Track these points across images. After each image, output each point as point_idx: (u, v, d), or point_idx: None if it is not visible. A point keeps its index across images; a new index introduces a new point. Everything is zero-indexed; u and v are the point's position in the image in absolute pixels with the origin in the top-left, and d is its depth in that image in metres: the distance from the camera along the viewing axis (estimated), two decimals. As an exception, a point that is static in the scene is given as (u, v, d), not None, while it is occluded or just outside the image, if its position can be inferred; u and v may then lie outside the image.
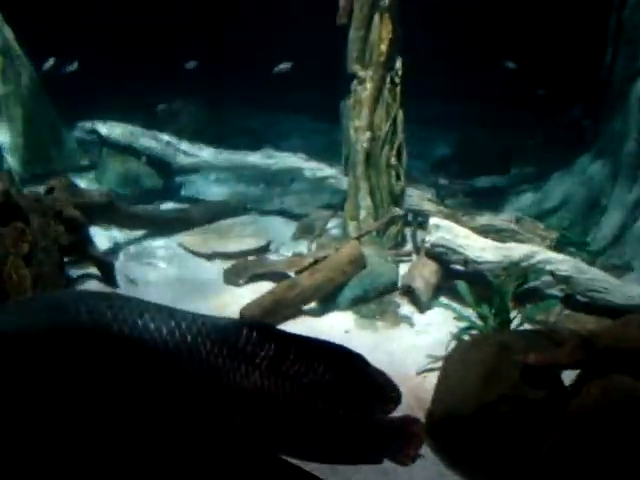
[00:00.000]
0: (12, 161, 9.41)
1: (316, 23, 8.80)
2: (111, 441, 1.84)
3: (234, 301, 6.88)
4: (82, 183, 9.57)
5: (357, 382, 4.23)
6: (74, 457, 1.86)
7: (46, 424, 2.05)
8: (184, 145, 9.56)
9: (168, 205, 9.57)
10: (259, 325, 4.32)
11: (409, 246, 8.26)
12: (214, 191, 9.91)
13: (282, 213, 9.34)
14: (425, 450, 4.52)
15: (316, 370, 4.20)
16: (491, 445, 4.57)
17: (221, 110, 11.86)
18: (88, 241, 7.12)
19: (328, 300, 6.93)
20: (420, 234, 8.14)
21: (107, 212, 7.69)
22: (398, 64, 7.87)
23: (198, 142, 9.75)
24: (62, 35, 10.19)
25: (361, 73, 7.80)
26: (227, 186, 10.00)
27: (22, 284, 6.51)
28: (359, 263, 6.97)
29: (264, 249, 8.22)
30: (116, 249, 8.10)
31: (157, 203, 9.54)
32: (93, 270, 7.31)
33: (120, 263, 7.70)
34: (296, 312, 6.75)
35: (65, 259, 7.04)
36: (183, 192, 9.94)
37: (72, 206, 7.11)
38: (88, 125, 9.94)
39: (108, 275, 7.18)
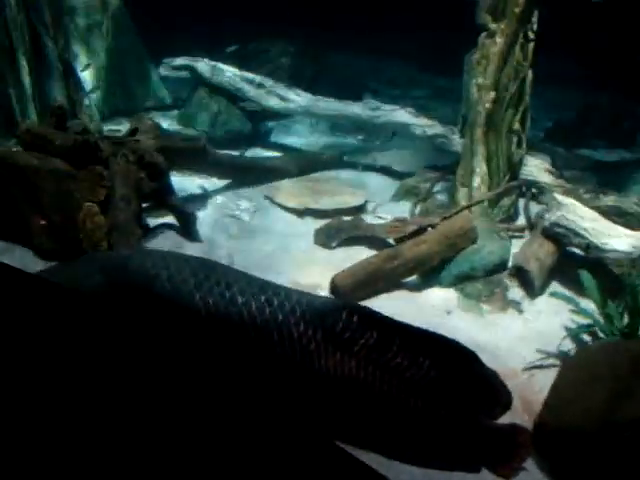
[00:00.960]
0: (93, 96, 9.19)
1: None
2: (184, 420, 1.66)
3: (324, 266, 6.53)
4: (164, 123, 9.38)
5: (466, 382, 3.90)
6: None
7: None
8: (280, 89, 9.20)
9: (256, 151, 9.26)
10: (361, 309, 4.00)
11: (521, 220, 7.71)
12: (306, 139, 9.52)
13: (381, 170, 8.87)
14: (529, 464, 4.13)
15: (421, 365, 3.87)
16: (610, 473, 4.12)
17: (320, 52, 11.43)
18: (169, 189, 6.84)
19: (429, 274, 6.48)
20: (534, 208, 7.65)
21: (194, 158, 7.39)
22: (534, 18, 7.19)
23: (294, 86, 9.41)
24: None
25: (492, 25, 7.15)
26: (321, 135, 9.60)
27: (96, 233, 6.29)
28: (469, 237, 6.48)
29: (360, 209, 7.79)
30: (197, 198, 7.80)
31: (244, 148, 9.21)
32: (171, 219, 7.07)
33: (204, 213, 7.42)
34: (393, 285, 6.34)
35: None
36: (273, 138, 9.57)
37: (156, 150, 6.84)
38: (176, 61, 9.66)
39: (187, 227, 6.90)
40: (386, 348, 3.84)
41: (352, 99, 9.33)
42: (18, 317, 1.68)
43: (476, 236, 6.50)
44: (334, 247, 6.99)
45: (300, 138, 9.48)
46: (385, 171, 8.84)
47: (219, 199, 7.86)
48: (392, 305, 5.99)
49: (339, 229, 7.08)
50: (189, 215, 6.87)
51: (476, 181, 7.29)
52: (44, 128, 7.00)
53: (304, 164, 8.58)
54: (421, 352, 3.85)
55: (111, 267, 4.34)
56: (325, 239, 7.03)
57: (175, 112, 9.94)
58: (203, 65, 9.40)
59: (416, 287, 6.44)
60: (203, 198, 7.82)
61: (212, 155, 7.65)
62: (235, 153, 8.83)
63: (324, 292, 6.07)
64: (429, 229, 6.58)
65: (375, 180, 8.69)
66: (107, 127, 8.98)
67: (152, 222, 7.07)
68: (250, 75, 9.26)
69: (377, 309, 5.61)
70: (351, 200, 7.85)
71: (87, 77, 9.19)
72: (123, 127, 9.17)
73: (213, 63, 9.40)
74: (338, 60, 11.70)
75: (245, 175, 8.12)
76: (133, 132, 7.06)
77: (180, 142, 7.23)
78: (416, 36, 11.04)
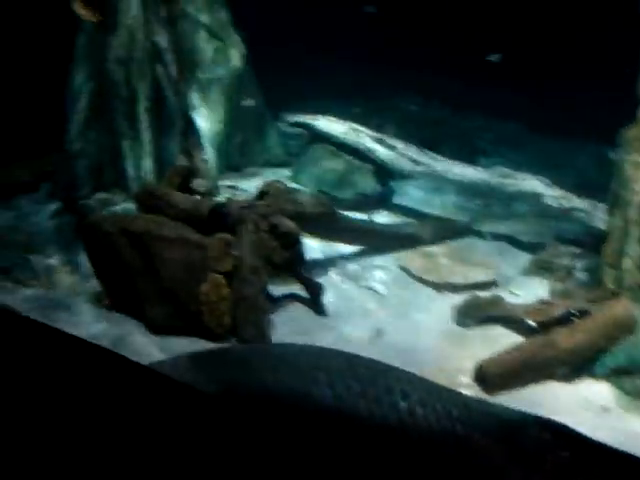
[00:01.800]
0: (210, 151, 8.99)
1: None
2: None
3: (463, 347, 6.22)
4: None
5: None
6: None
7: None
8: (408, 149, 8.88)
9: (382, 214, 8.83)
10: (554, 425, 3.60)
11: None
12: (430, 204, 9.08)
13: (506, 239, 8.36)
14: None
15: (621, 489, 3.50)
16: None
17: (434, 110, 11.09)
18: (301, 259, 6.50)
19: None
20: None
21: (323, 223, 7.05)
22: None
23: (416, 144, 9.08)
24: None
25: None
26: (444, 199, 9.16)
27: (220, 306, 5.99)
28: (628, 326, 6.01)
29: (493, 284, 7.36)
30: (328, 266, 7.42)
31: (371, 211, 8.80)
32: (295, 287, 6.75)
33: (333, 284, 7.06)
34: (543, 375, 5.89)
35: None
36: (398, 201, 9.15)
37: (287, 216, 6.53)
38: (295, 117, 9.44)
39: (316, 299, 6.55)
40: (580, 469, 3.47)
41: (464, 159, 8.98)
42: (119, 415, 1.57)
43: (635, 325, 6.01)
44: (471, 327, 6.57)
45: (424, 202, 9.05)
46: (510, 240, 8.36)
47: (350, 268, 7.47)
48: (542, 398, 5.63)
49: (477, 307, 6.66)
50: (319, 287, 6.52)
51: (628, 263, 6.78)
52: (167, 190, 6.77)
53: (436, 231, 8.15)
54: (619, 475, 3.47)
55: (253, 368, 3.99)
56: (462, 317, 6.63)
57: (288, 169, 9.65)
58: (325, 122, 9.14)
59: (565, 376, 5.94)
60: (332, 266, 7.45)
61: (342, 221, 7.29)
62: (361, 216, 8.48)
63: (466, 377, 5.73)
64: (578, 314, 6.14)
65: (501, 250, 8.22)
66: (222, 184, 8.75)
67: (274, 290, 6.75)
68: (379, 135, 8.96)
69: (526, 401, 5.24)
70: (484, 274, 7.44)
71: (205, 131, 8.98)
72: (239, 184, 8.96)
73: (336, 120, 9.15)
74: (448, 116, 11.34)
75: (376, 241, 7.73)
76: (262, 195, 6.77)
77: (312, 207, 6.87)
78: (529, 93, 10.63)
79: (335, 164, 9.05)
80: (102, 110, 8.56)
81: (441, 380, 4.33)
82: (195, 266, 6.10)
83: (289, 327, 6.27)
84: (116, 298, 6.42)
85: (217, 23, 8.97)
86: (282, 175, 9.44)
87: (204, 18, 8.86)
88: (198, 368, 3.93)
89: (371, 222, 8.03)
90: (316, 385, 3.68)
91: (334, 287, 6.97)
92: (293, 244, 6.32)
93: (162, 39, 8.28)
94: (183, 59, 8.49)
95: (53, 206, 8.20)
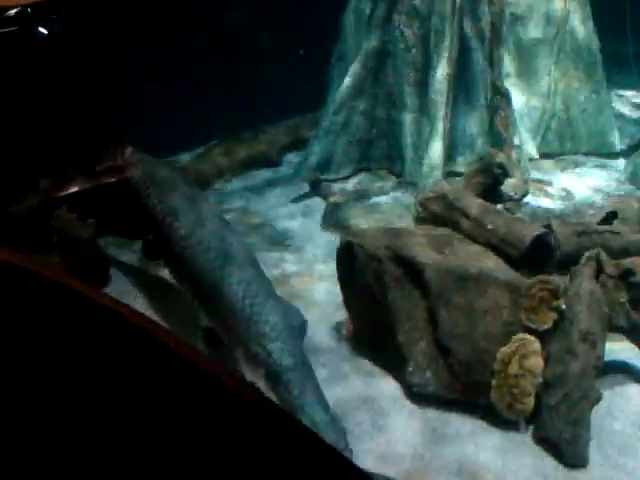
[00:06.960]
0: (524, 134, 6.88)
1: None
2: None
3: None
4: (603, 177, 6.89)
5: None
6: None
7: None
8: None
9: None
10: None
11: None
12: None
13: None
14: None
15: None
16: None
17: None
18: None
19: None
20: None
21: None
22: None
23: None
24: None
25: None
26: None
27: (519, 383, 3.94)
28: None
29: None
30: None
31: None
32: (623, 347, 4.43)
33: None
34: None
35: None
36: None
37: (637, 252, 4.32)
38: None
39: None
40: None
41: None
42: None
43: None
44: None
45: None
46: None
47: None
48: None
49: None
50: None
51: None
52: (467, 196, 4.75)
53: None
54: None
55: None
56: None
57: (621, 162, 7.27)
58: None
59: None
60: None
61: None
62: None
63: None
64: None
65: None
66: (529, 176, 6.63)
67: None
68: None
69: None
70: None
71: (520, 108, 6.87)
72: (552, 178, 6.83)
73: None
74: None
75: None
76: (611, 217, 4.53)
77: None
78: None
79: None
80: (379, 74, 6.78)
81: None
82: (497, 318, 4.13)
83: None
84: (367, 340, 4.71)
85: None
86: (613, 170, 7.13)
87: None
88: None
89: None
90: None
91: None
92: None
93: (476, -15, 6.26)
94: (501, 13, 6.39)
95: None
